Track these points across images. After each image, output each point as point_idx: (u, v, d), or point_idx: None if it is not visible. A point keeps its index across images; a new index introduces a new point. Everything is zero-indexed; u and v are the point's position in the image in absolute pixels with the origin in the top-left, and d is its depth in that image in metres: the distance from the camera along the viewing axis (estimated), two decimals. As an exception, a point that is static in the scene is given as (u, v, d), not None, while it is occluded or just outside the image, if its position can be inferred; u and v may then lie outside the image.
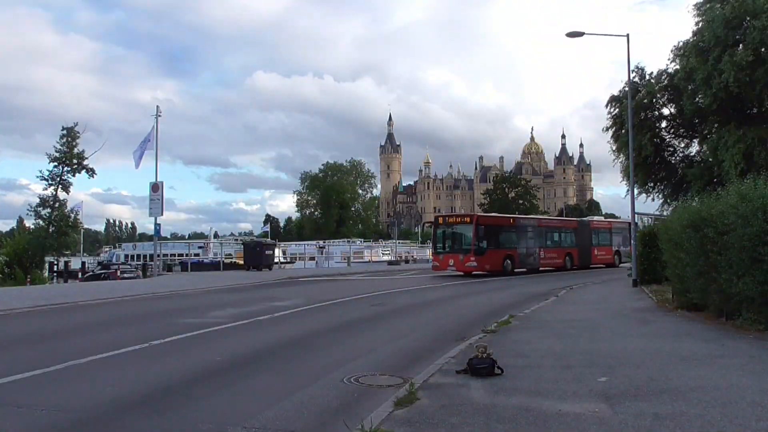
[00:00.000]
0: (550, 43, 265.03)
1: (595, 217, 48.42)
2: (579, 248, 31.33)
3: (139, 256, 53.60)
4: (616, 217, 53.49)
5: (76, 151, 33.90)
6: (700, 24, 19.23)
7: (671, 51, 20.50)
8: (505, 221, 29.44)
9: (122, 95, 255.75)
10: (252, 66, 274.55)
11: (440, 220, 28.28)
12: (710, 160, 19.38)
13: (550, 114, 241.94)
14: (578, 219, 37.03)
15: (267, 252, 30.65)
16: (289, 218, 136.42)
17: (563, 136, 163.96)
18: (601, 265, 32.40)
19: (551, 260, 29.82)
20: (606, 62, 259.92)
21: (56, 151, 33.65)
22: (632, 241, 18.58)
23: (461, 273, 25.67)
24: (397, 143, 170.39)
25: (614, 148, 23.02)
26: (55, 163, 33.72)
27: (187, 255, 40.75)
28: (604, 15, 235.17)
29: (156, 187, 26.76)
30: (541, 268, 29.14)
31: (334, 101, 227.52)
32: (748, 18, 17.35)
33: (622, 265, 32.79)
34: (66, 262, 41.82)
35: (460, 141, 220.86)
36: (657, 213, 23.51)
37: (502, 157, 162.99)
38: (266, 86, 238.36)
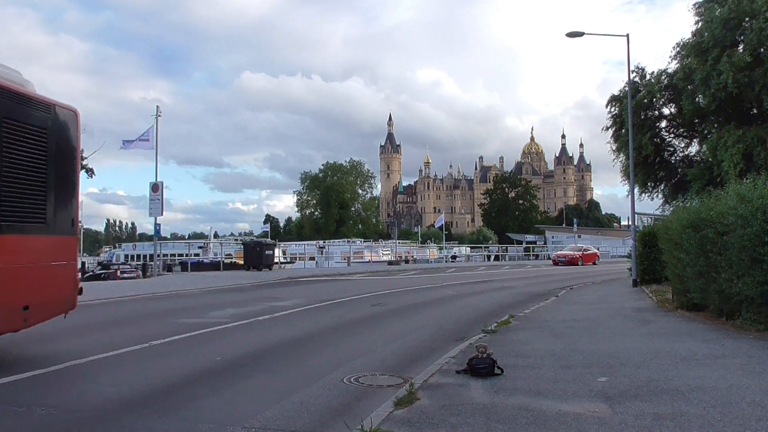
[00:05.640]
0: (542, 43, 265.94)
1: None
2: None
3: (139, 256, 53.64)
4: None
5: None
6: (700, 24, 19.25)
7: (672, 49, 20.53)
8: None
9: (114, 95, 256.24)
10: (243, 66, 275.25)
11: None
12: (710, 160, 19.38)
13: (541, 114, 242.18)
14: None
15: (267, 252, 30.60)
16: (289, 218, 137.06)
17: (563, 136, 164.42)
18: None
19: None
20: (598, 62, 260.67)
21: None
22: (633, 241, 18.61)
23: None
24: (397, 143, 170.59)
25: (614, 147, 23.01)
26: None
27: (187, 255, 40.66)
28: (595, 14, 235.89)
29: (156, 187, 26.73)
30: None
31: (324, 101, 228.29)
32: (747, 18, 17.37)
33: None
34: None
35: (452, 141, 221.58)
36: (657, 213, 23.55)
37: (501, 157, 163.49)
38: (254, 86, 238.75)
